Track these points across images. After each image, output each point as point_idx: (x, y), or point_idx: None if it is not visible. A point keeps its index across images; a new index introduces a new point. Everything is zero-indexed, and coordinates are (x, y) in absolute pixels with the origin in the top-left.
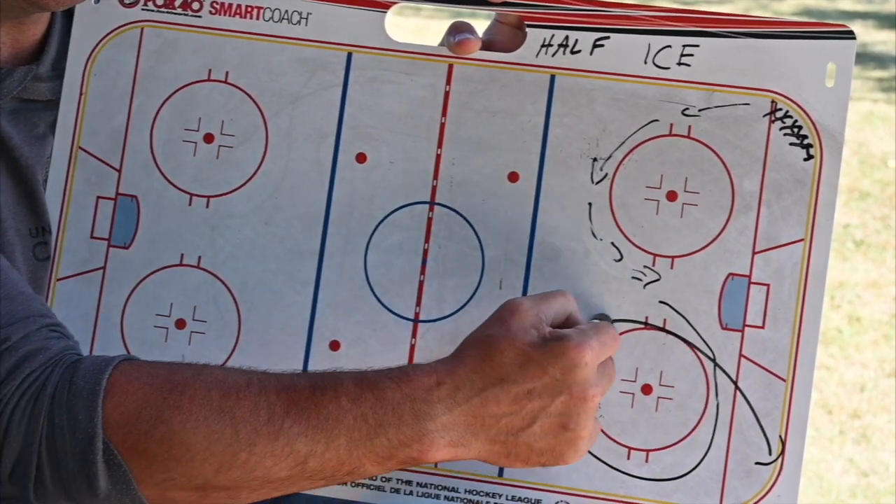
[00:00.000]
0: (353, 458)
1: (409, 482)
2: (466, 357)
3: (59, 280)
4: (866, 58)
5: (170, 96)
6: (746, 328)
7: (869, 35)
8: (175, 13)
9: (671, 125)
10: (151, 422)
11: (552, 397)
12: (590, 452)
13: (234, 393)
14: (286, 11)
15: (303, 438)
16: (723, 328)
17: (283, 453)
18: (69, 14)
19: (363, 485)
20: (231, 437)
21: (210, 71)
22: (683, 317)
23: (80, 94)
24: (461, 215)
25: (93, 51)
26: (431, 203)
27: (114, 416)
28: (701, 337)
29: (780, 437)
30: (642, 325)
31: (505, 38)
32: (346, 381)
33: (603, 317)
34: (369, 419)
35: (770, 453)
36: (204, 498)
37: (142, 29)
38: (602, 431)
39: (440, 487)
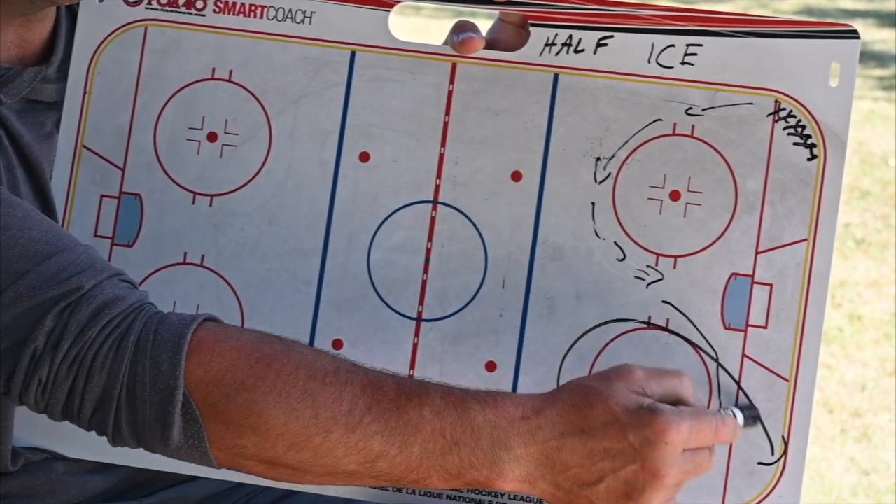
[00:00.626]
0: (422, 468)
1: None
2: (559, 400)
3: None
4: (867, 56)
5: (173, 95)
6: (749, 328)
7: (869, 34)
8: (179, 12)
9: (674, 124)
10: (235, 386)
11: (624, 463)
12: None
13: (320, 377)
14: (290, 10)
15: (378, 438)
16: (726, 328)
17: (356, 447)
18: (75, 15)
19: None
20: (310, 420)
21: (214, 70)
22: (686, 317)
23: (85, 92)
24: (464, 214)
25: (97, 50)
26: (434, 202)
27: (197, 373)
28: (704, 337)
29: (783, 436)
30: (645, 325)
31: (508, 38)
32: (433, 393)
33: (748, 409)
34: (447, 435)
35: (773, 453)
36: (270, 471)
37: (146, 28)
38: None
39: None
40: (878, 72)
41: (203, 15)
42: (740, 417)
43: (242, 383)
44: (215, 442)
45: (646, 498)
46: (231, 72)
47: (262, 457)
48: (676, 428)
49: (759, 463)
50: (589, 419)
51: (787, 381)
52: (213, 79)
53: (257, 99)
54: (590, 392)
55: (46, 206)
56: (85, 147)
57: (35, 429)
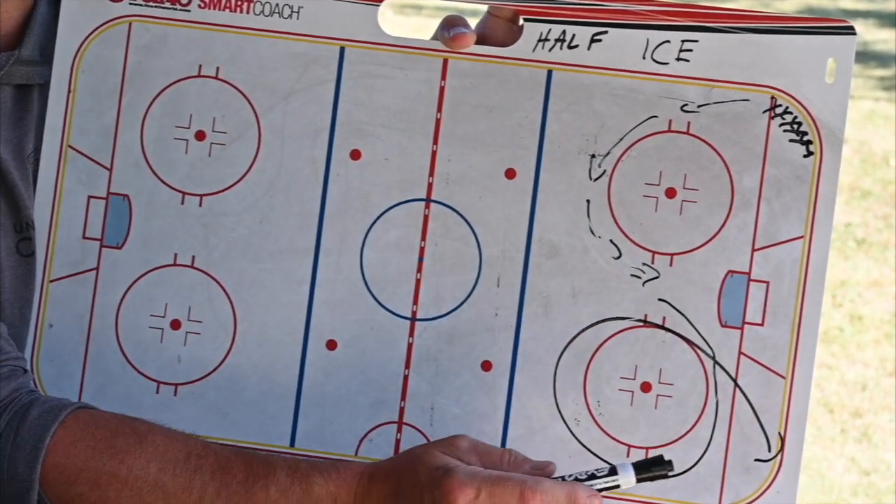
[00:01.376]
0: None
1: None
2: (388, 464)
3: (51, 282)
4: (868, 56)
5: (160, 93)
6: (746, 325)
7: (870, 33)
8: (163, 7)
9: (670, 121)
10: (88, 485)
11: None
12: (589, 450)
13: (171, 468)
14: (277, 5)
15: None
16: (722, 325)
17: None
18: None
19: None
20: None
21: (200, 66)
22: (683, 314)
23: (69, 91)
24: (458, 212)
25: (80, 47)
26: (427, 200)
27: (53, 474)
28: (700, 334)
29: (780, 433)
30: (641, 323)
31: (498, 32)
32: (279, 471)
33: (655, 465)
34: None
35: (769, 450)
36: None
37: (130, 24)
38: (601, 429)
39: None
40: (879, 72)
41: (188, 10)
42: (628, 475)
43: (95, 482)
44: None
45: None
46: (218, 69)
47: None
48: (462, 490)
49: (756, 459)
50: (402, 482)
51: (783, 377)
52: (199, 76)
53: (245, 96)
54: (410, 455)
55: (16, 204)
56: (70, 147)
57: None
